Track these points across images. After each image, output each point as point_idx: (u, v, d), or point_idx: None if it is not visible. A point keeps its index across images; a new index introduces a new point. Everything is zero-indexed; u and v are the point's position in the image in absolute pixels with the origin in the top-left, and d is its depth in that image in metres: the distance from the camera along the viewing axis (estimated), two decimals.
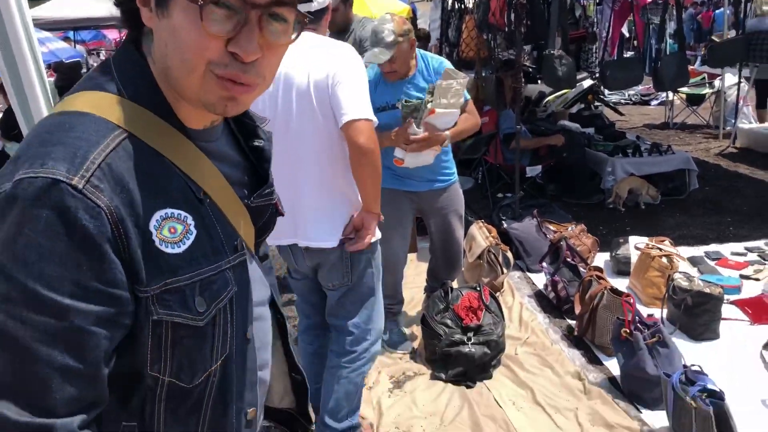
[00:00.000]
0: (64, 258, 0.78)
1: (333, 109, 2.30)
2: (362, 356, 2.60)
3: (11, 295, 0.78)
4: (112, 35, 17.68)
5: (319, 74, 2.31)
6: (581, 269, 4.11)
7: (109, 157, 0.84)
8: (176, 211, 0.90)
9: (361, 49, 3.91)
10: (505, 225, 5.11)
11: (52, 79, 12.75)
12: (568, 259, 4.26)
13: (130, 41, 0.97)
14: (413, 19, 11.89)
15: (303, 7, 0.90)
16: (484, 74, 6.43)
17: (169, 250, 0.88)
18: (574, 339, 3.77)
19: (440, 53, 7.84)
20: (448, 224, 3.66)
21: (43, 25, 9.35)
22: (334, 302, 2.61)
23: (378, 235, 2.53)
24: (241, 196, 1.06)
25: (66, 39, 14.28)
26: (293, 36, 0.91)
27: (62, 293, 0.79)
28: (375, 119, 2.34)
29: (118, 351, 0.87)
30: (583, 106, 8.13)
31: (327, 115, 2.33)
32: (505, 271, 4.40)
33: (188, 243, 0.91)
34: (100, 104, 0.89)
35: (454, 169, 3.65)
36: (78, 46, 14.13)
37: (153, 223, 0.87)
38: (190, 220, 0.92)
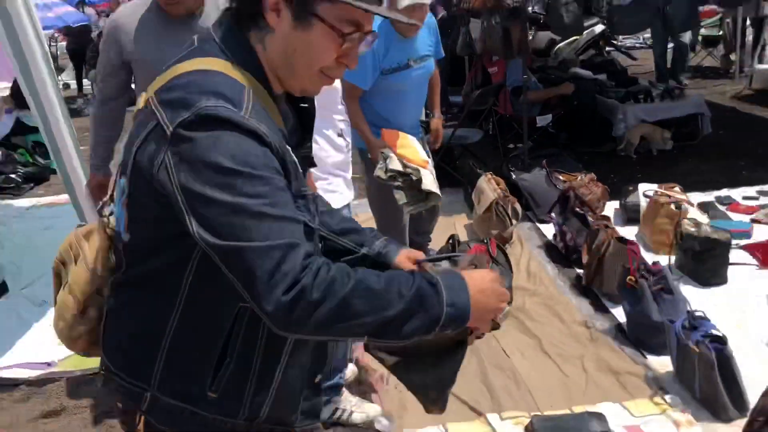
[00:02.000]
0: (256, 152, 1.09)
1: None
2: None
3: (228, 180, 1.06)
4: None
5: None
6: (590, 219, 4.12)
7: (252, 103, 1.12)
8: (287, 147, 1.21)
9: None
10: (514, 176, 5.10)
11: (64, 43, 12.79)
12: (577, 209, 4.27)
13: (234, 23, 1.21)
14: None
15: None
16: (491, 23, 6.32)
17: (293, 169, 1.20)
18: (582, 288, 3.80)
19: (447, 2, 7.72)
20: None
21: None
22: None
23: None
24: (293, 145, 1.29)
25: (80, 3, 14.20)
26: None
27: (267, 172, 1.09)
28: None
29: None
30: (595, 52, 8.00)
31: None
32: (514, 222, 4.42)
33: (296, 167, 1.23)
34: (223, 66, 1.16)
35: None
36: (87, 9, 14.04)
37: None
38: (291, 155, 1.22)
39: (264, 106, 1.17)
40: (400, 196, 3.14)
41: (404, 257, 1.46)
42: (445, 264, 1.49)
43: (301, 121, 1.37)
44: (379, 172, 3.17)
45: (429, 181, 3.15)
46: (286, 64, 1.20)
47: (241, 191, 1.06)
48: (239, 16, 1.22)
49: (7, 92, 8.00)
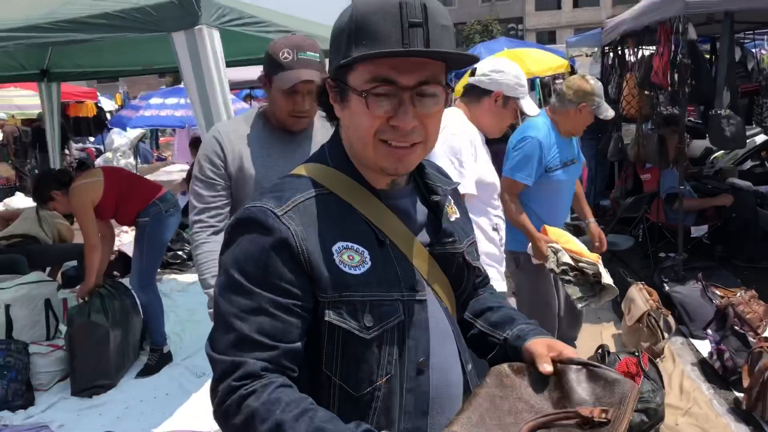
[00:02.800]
0: (257, 260, 1.14)
1: None
2: None
3: (226, 284, 1.15)
4: None
5: None
6: (750, 339, 3.91)
7: (306, 201, 1.19)
8: (355, 245, 1.19)
9: None
10: (667, 288, 4.95)
11: None
12: (736, 327, 4.06)
13: (337, 129, 1.30)
14: (571, 74, 11.86)
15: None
16: (645, 132, 6.31)
17: (348, 270, 1.16)
18: (743, 413, 3.57)
19: None
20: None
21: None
22: None
23: None
24: (426, 243, 1.29)
25: (247, 97, 15.66)
26: (443, 105, 1.19)
27: (254, 284, 1.13)
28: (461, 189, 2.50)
29: (307, 348, 1.17)
30: (755, 162, 7.68)
31: None
32: (666, 336, 4.27)
33: (363, 269, 1.18)
34: (314, 170, 1.26)
35: None
36: (254, 102, 15.42)
37: (335, 247, 1.17)
38: (366, 254, 1.19)
39: (351, 203, 1.21)
40: (573, 291, 3.14)
41: (541, 344, 1.25)
42: (581, 374, 1.19)
43: (435, 216, 1.34)
44: (551, 265, 3.20)
45: (607, 276, 3.14)
46: (352, 149, 1.24)
47: (228, 298, 1.14)
48: (329, 118, 1.30)
49: (183, 175, 8.85)
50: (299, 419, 1.05)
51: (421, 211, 1.31)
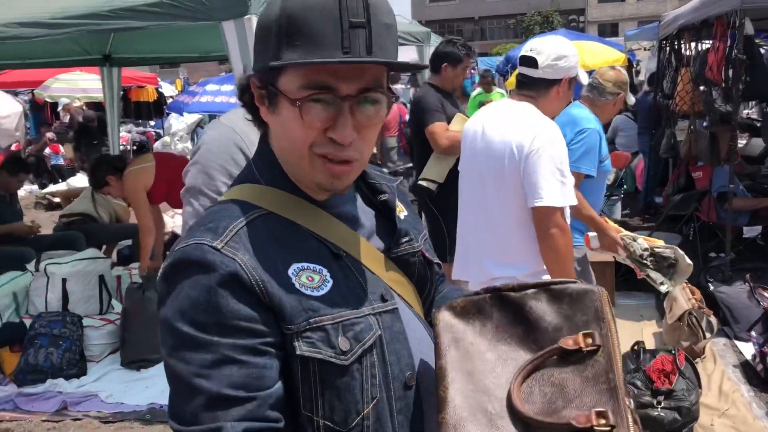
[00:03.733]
0: (206, 304, 0.96)
1: (523, 186, 2.47)
2: None
3: (175, 343, 0.97)
4: None
5: (514, 145, 2.48)
6: None
7: (245, 227, 1.03)
8: (311, 264, 1.05)
9: None
10: (712, 287, 4.86)
11: None
12: None
13: (263, 137, 1.16)
14: (629, 68, 11.64)
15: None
16: (697, 128, 6.18)
17: (309, 293, 1.02)
18: None
19: (654, 104, 7.63)
20: None
21: None
22: None
23: None
24: (382, 248, 1.18)
25: None
26: (385, 113, 1.05)
27: (210, 333, 0.95)
28: (566, 202, 2.46)
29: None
30: None
31: (513, 183, 2.50)
32: (707, 336, 4.21)
33: (326, 289, 1.04)
34: (245, 192, 1.11)
35: None
36: None
37: (291, 270, 1.03)
38: (325, 272, 1.06)
39: (294, 219, 1.08)
40: (657, 276, 3.11)
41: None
42: (541, 297, 1.06)
43: (385, 217, 1.22)
44: (637, 250, 3.10)
45: (685, 257, 3.09)
46: (285, 159, 1.10)
47: (181, 357, 0.96)
48: (255, 122, 1.15)
49: None
50: None
51: (369, 215, 1.20)
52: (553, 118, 2.63)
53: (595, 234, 3.26)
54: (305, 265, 1.05)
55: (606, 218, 3.44)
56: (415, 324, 1.18)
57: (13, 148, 14.08)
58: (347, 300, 1.05)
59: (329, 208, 1.13)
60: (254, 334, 0.98)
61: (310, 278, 1.04)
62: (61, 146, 13.23)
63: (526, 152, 2.44)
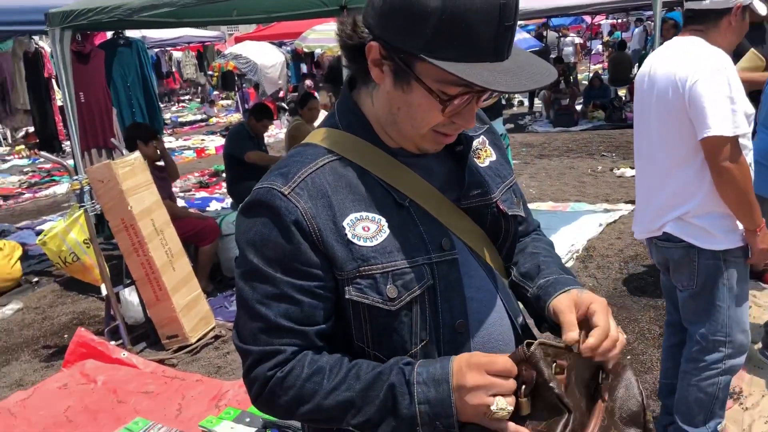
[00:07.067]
0: (274, 243, 1.09)
1: (690, 118, 2.28)
2: (713, 367, 2.50)
3: (246, 269, 1.12)
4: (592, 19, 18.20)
5: (677, 77, 2.30)
6: None
7: (314, 173, 1.12)
8: (370, 214, 1.12)
9: None
10: None
11: None
12: None
13: (348, 82, 1.21)
14: None
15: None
16: None
17: (361, 243, 1.10)
18: None
19: None
20: None
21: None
22: (682, 304, 2.57)
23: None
24: (454, 199, 1.22)
25: (544, 25, 15.38)
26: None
27: (274, 269, 1.09)
28: (736, 131, 2.21)
29: (337, 322, 1.14)
30: None
31: (677, 117, 2.32)
32: None
33: (380, 239, 1.11)
34: (324, 136, 1.19)
35: None
36: (550, 32, 15.09)
37: (347, 221, 1.10)
38: (383, 222, 1.12)
39: (365, 166, 1.14)
40: None
41: (566, 301, 1.15)
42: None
43: (459, 168, 1.24)
44: None
45: None
46: (393, 122, 1.14)
47: (250, 284, 1.11)
48: (352, 76, 1.20)
49: None
50: (346, 378, 1.08)
51: (446, 164, 1.23)
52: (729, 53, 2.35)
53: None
54: (363, 214, 1.12)
55: None
56: (478, 273, 1.21)
57: (280, 95, 15.71)
58: (402, 249, 1.11)
59: (403, 156, 1.18)
60: (310, 276, 1.09)
61: (366, 228, 1.11)
62: (316, 93, 14.41)
63: (689, 83, 2.24)
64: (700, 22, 2.40)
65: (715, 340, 2.48)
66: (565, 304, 1.14)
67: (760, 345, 3.53)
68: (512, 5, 0.99)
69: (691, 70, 2.26)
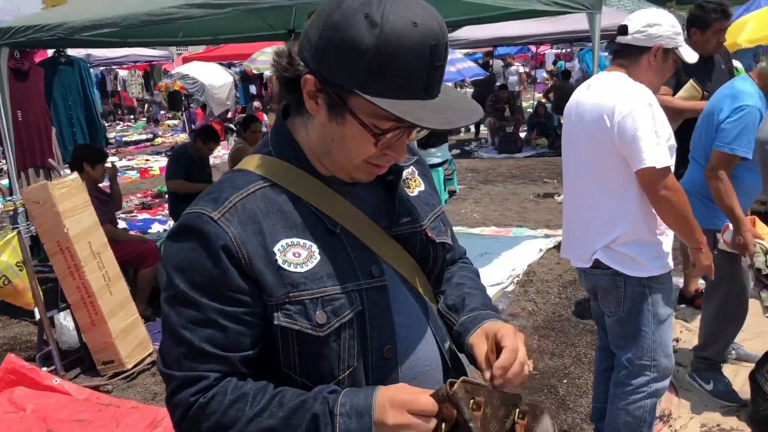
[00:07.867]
0: (201, 268, 1.09)
1: (619, 151, 2.38)
2: (639, 390, 2.59)
3: (172, 294, 1.11)
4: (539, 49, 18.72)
5: (604, 111, 2.40)
6: None
7: (244, 199, 1.13)
8: (301, 240, 1.13)
9: None
10: None
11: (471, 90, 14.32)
12: None
13: (282, 111, 1.23)
14: None
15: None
16: None
17: (291, 269, 1.11)
18: None
19: None
20: None
21: (457, 46, 10.52)
22: (609, 330, 2.66)
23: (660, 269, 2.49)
24: (385, 226, 1.24)
25: (487, 54, 15.75)
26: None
27: (200, 294, 1.09)
28: (667, 162, 2.32)
29: (265, 348, 1.14)
30: None
31: (605, 149, 2.42)
32: None
33: (311, 265, 1.12)
34: (256, 162, 1.20)
35: None
36: (496, 60, 15.47)
37: (278, 247, 1.11)
38: (314, 248, 1.14)
39: (297, 193, 1.16)
40: (766, 297, 2.90)
41: (480, 337, 1.22)
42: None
43: (390, 197, 1.28)
44: (759, 264, 2.95)
45: None
46: (326, 152, 1.16)
47: (175, 309, 1.10)
48: (286, 105, 1.22)
49: None
50: (269, 405, 1.07)
51: (377, 192, 1.26)
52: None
53: (732, 229, 3.00)
54: (294, 240, 1.13)
55: (757, 218, 3.13)
56: (405, 298, 1.24)
57: (228, 116, 15.62)
58: (332, 275, 1.13)
59: (335, 184, 1.20)
60: (236, 302, 1.10)
61: (297, 254, 1.12)
62: (264, 114, 14.40)
63: (618, 118, 2.34)
64: (624, 57, 2.53)
65: (641, 365, 2.57)
66: (479, 338, 1.21)
67: (689, 368, 3.65)
68: (442, 46, 1.03)
69: (618, 105, 2.36)
